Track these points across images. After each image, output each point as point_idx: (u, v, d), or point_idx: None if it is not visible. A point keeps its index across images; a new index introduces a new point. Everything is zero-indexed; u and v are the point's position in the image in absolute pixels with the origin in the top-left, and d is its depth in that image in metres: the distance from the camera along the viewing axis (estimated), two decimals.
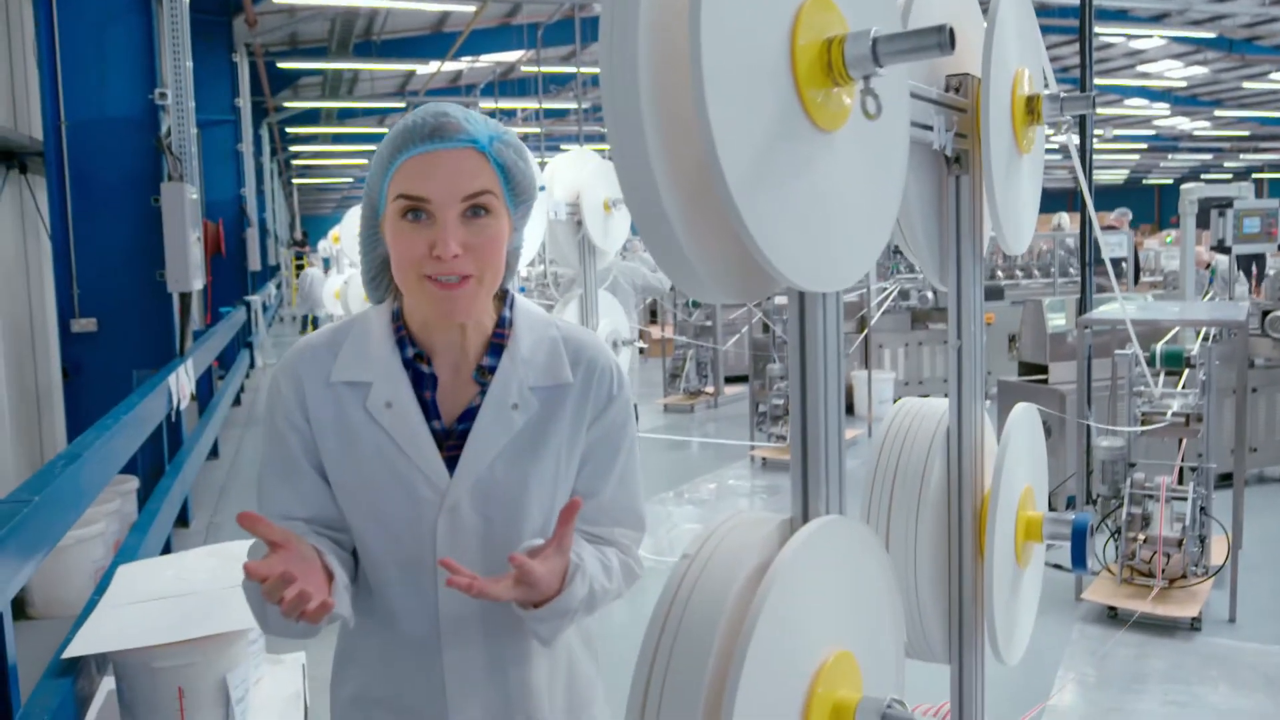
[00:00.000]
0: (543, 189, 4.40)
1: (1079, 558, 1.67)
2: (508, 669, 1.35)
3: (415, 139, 1.22)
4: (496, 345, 1.35)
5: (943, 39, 0.98)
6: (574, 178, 4.82)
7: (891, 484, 1.64)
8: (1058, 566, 4.11)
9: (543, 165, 4.90)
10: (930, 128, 1.43)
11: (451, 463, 1.30)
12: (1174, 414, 4.41)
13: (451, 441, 1.31)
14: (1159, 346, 4.65)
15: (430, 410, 1.31)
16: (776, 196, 0.99)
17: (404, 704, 1.35)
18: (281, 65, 14.17)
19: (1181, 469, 4.51)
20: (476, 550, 1.31)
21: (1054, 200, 20.95)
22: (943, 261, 1.65)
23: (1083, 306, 5.36)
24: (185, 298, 6.02)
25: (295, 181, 29.16)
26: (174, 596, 2.92)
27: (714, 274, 1.05)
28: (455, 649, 1.32)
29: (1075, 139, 5.23)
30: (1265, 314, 5.80)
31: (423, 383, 1.32)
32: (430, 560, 1.29)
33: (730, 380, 10.23)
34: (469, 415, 1.32)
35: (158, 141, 5.72)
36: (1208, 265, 8.85)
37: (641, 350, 12.73)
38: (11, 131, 5.70)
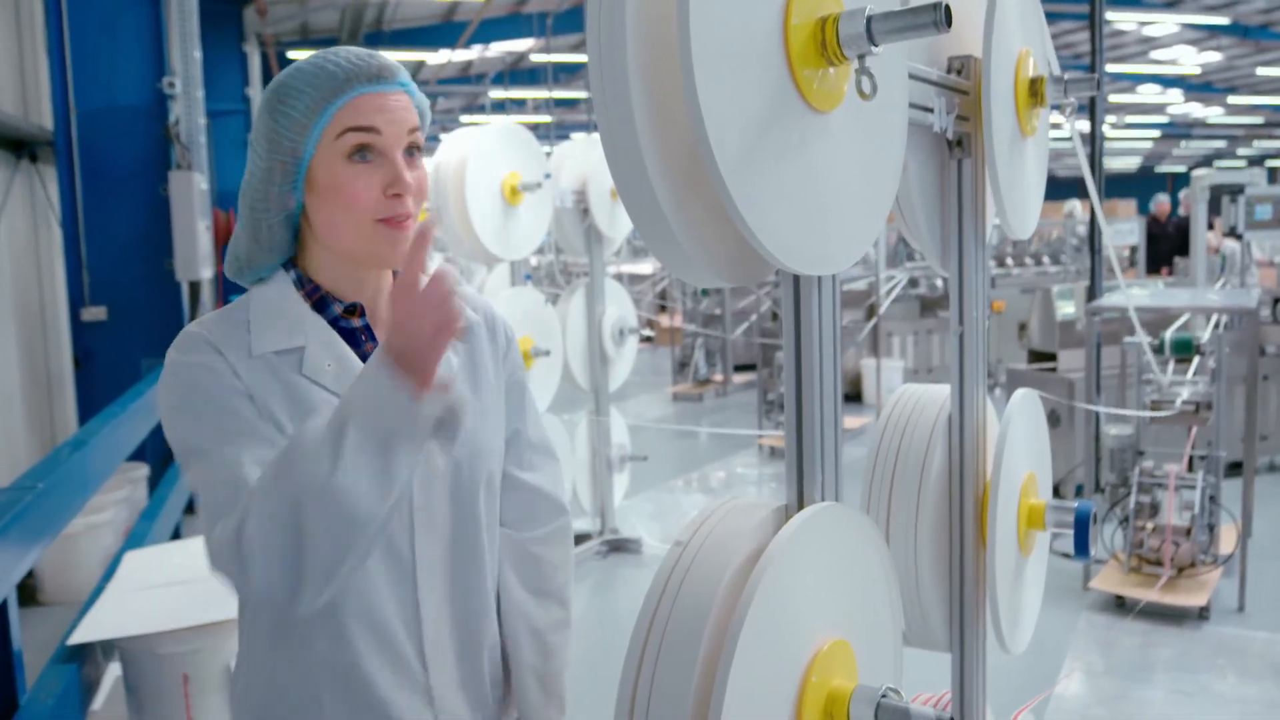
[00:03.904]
0: (548, 177, 4.38)
1: (1082, 546, 1.66)
2: (472, 616, 1.35)
3: (360, 79, 1.21)
4: None
5: (938, 17, 0.97)
6: (581, 165, 4.81)
7: (892, 471, 1.63)
8: (1065, 555, 4.10)
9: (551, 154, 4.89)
10: (931, 110, 1.41)
11: None
12: (1184, 402, 4.39)
13: None
14: (1168, 334, 4.62)
15: None
16: (769, 178, 0.98)
17: (381, 625, 1.28)
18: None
19: (1191, 457, 4.49)
20: (446, 493, 1.31)
21: (1066, 188, 20.74)
22: (944, 247, 1.64)
23: (1092, 294, 5.33)
24: (195, 286, 6.04)
25: None
26: (180, 583, 2.93)
27: (707, 257, 1.04)
28: (429, 585, 1.30)
29: (1085, 124, 5.19)
30: (1276, 301, 5.76)
31: (355, 339, 1.28)
32: (405, 506, 1.27)
33: (739, 369, 10.23)
34: None
35: (165, 130, 5.73)
36: (1216, 250, 8.81)
37: (650, 339, 12.74)
38: (22, 121, 5.71)
